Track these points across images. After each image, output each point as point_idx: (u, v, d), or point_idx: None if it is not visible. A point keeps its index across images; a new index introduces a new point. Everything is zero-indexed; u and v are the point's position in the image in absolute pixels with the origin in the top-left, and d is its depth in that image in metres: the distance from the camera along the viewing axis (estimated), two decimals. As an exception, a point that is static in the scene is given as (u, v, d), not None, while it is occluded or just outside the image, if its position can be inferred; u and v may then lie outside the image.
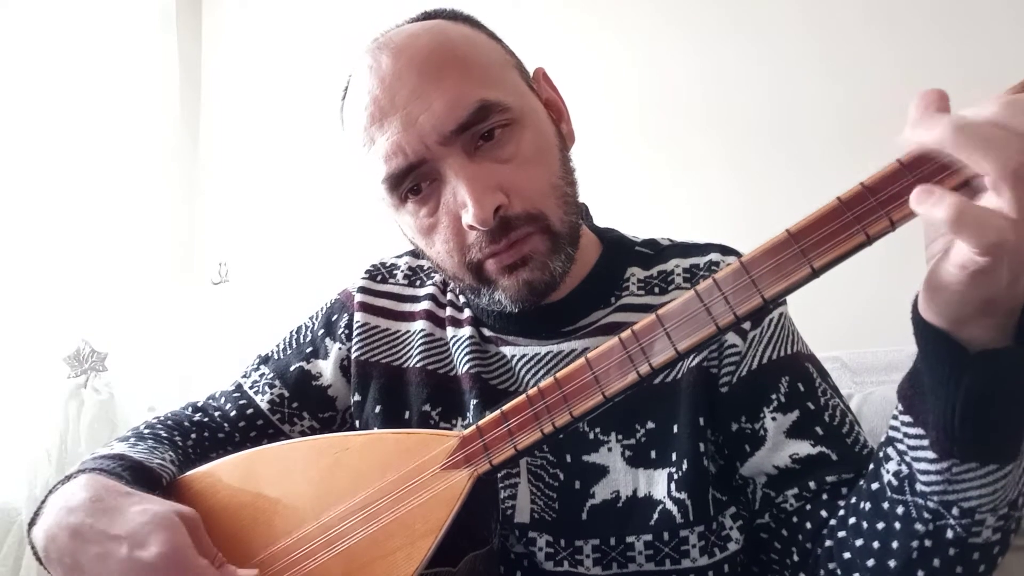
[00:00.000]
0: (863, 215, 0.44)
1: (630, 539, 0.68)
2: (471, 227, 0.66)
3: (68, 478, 0.67)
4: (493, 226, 0.66)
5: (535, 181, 0.69)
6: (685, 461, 0.69)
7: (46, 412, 2.00)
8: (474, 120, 0.66)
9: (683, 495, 0.68)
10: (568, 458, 0.72)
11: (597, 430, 0.72)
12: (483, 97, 0.66)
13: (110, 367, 2.12)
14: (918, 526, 0.55)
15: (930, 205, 0.40)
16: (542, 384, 0.57)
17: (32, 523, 0.66)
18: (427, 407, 0.78)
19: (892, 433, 0.56)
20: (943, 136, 0.40)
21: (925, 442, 0.52)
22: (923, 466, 0.53)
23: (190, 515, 0.63)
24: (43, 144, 2.10)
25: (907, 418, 0.54)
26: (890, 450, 0.57)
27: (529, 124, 0.70)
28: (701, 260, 0.78)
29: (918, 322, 0.50)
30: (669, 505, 0.68)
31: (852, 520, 0.61)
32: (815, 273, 0.46)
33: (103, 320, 2.14)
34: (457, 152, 0.66)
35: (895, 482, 0.56)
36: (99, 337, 2.12)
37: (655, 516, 0.68)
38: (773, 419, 0.69)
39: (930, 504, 0.53)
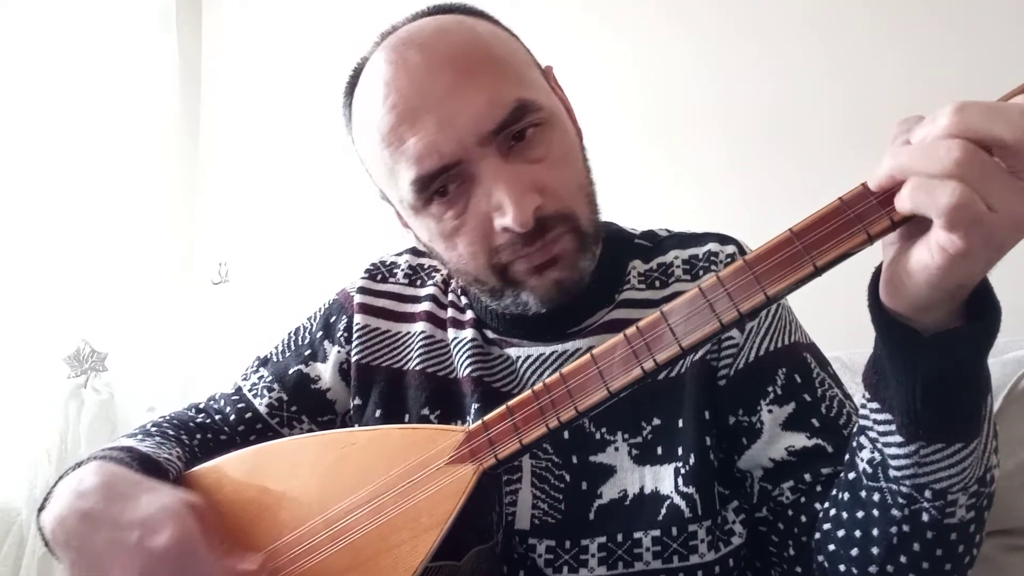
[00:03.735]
0: (864, 214, 0.45)
1: (638, 535, 0.68)
2: (507, 229, 0.65)
3: (78, 465, 0.67)
4: (531, 228, 0.65)
5: (566, 181, 0.68)
6: (692, 455, 0.69)
7: (46, 412, 2.01)
8: (511, 120, 0.65)
9: (691, 489, 0.68)
10: (574, 459, 0.72)
11: (603, 430, 0.72)
12: (520, 96, 0.65)
13: (110, 367, 2.13)
14: (895, 512, 0.55)
15: (896, 197, 0.43)
16: (547, 379, 0.58)
17: (41, 508, 0.66)
18: (426, 411, 0.78)
19: (863, 422, 0.57)
20: (888, 169, 0.44)
21: (892, 427, 0.53)
22: (893, 451, 0.54)
23: (199, 504, 0.63)
24: (43, 144, 2.10)
25: (874, 405, 0.55)
26: (862, 439, 0.58)
27: (557, 124, 0.70)
28: (699, 250, 0.78)
29: (876, 309, 0.51)
30: (677, 500, 0.68)
31: (833, 511, 0.62)
32: (817, 271, 0.47)
33: (103, 320, 2.15)
34: (493, 153, 0.65)
35: (869, 470, 0.57)
36: (99, 337, 2.13)
37: (663, 511, 0.68)
38: (769, 412, 0.69)
39: (903, 489, 0.54)
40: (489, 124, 0.64)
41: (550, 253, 0.67)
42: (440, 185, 0.66)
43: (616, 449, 0.71)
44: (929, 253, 0.44)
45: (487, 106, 0.64)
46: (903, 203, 0.43)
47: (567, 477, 0.72)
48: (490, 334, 0.80)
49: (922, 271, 0.45)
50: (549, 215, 0.66)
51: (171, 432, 0.81)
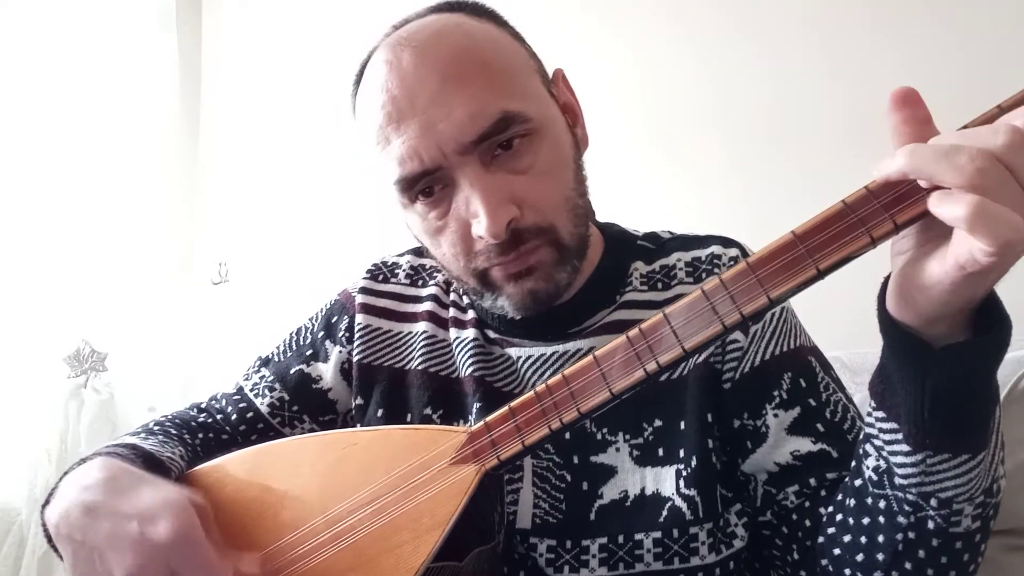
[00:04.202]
0: (867, 217, 0.45)
1: (639, 536, 0.68)
2: (481, 238, 0.66)
3: (83, 461, 0.68)
4: (505, 238, 0.66)
5: (549, 194, 0.69)
6: (694, 458, 0.69)
7: (46, 412, 2.01)
8: (494, 131, 0.65)
9: (692, 492, 0.68)
10: (575, 459, 0.72)
11: (604, 430, 0.72)
12: (505, 108, 0.65)
13: (110, 367, 2.13)
14: (900, 519, 0.56)
15: (949, 204, 0.42)
16: (550, 381, 0.58)
17: (46, 503, 0.66)
18: (428, 410, 0.78)
19: (868, 429, 0.57)
20: (901, 165, 0.43)
21: (899, 436, 0.53)
22: (899, 459, 0.54)
23: (201, 503, 0.63)
24: (43, 144, 2.10)
25: (880, 413, 0.55)
26: (868, 446, 0.58)
27: (547, 135, 0.69)
28: (703, 253, 0.78)
29: (885, 319, 0.51)
30: (679, 502, 0.68)
31: (839, 517, 0.62)
32: (820, 274, 0.47)
33: (103, 320, 2.15)
34: (473, 161, 0.66)
35: (875, 477, 0.58)
36: (99, 337, 2.13)
37: (664, 513, 0.68)
38: (775, 416, 0.70)
39: (909, 496, 0.55)
40: (469, 135, 0.65)
41: (526, 263, 0.68)
42: (425, 186, 0.68)
43: (617, 450, 0.71)
44: (943, 269, 0.44)
45: (468, 117, 0.64)
46: (959, 221, 0.41)
47: (568, 477, 0.72)
48: (491, 334, 0.80)
49: (935, 286, 0.45)
50: (526, 227, 0.67)
51: (173, 431, 0.81)
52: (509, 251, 0.67)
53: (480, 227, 0.65)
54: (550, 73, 0.76)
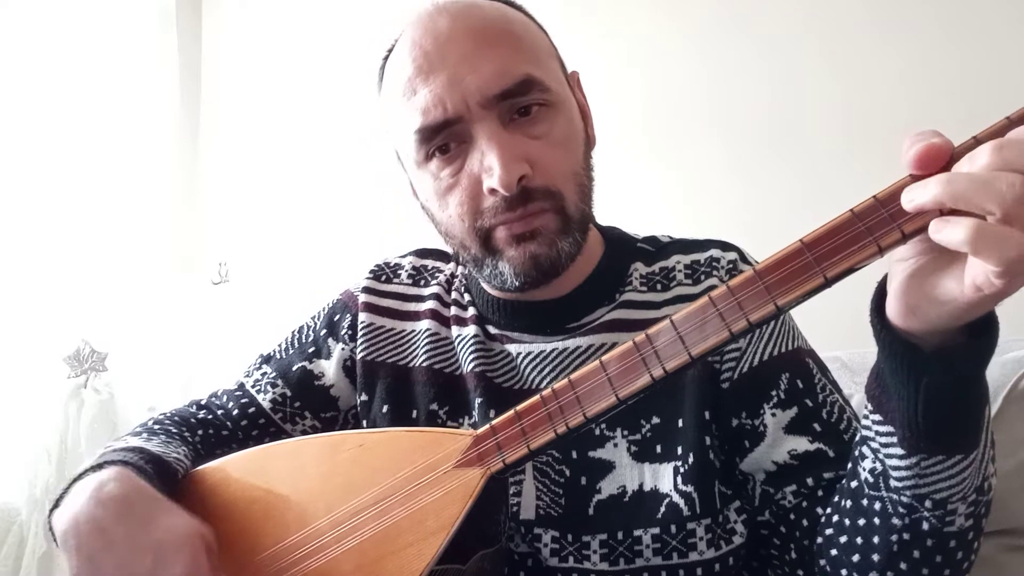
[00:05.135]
0: (875, 227, 0.46)
1: (637, 532, 0.69)
2: (492, 191, 0.68)
3: (99, 467, 0.68)
4: (514, 193, 0.67)
5: (560, 162, 0.71)
6: (691, 455, 0.70)
7: (46, 412, 2.00)
8: (517, 91, 0.68)
9: (690, 488, 0.69)
10: (574, 454, 0.73)
11: (603, 426, 0.73)
12: (529, 72, 0.69)
13: (110, 367, 2.12)
14: (895, 520, 0.57)
15: (949, 230, 0.42)
16: (556, 385, 0.58)
17: (55, 507, 0.66)
18: (434, 406, 0.79)
19: (865, 432, 0.58)
20: (937, 195, 0.42)
21: (894, 439, 0.54)
22: (894, 462, 0.55)
23: (208, 535, 0.64)
24: (43, 144, 2.09)
25: (877, 416, 0.56)
26: (865, 448, 0.59)
27: (563, 110, 0.73)
28: (702, 256, 0.79)
29: (880, 325, 0.52)
30: (676, 498, 0.69)
31: (836, 518, 0.64)
32: (828, 282, 0.47)
33: (103, 320, 2.14)
34: (493, 118, 0.68)
35: (871, 479, 0.58)
36: (99, 337, 2.12)
37: (662, 509, 0.70)
38: (773, 415, 0.71)
39: (904, 499, 0.56)
40: (494, 89, 0.68)
41: (530, 225, 0.70)
42: (442, 142, 0.70)
43: (615, 445, 0.73)
44: (960, 289, 0.44)
45: (495, 73, 0.68)
46: (961, 245, 0.41)
47: (567, 472, 0.73)
48: (492, 329, 0.81)
49: (949, 303, 0.46)
50: (535, 187, 0.69)
51: (174, 430, 0.82)
52: (516, 207, 0.69)
53: (493, 179, 0.67)
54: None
